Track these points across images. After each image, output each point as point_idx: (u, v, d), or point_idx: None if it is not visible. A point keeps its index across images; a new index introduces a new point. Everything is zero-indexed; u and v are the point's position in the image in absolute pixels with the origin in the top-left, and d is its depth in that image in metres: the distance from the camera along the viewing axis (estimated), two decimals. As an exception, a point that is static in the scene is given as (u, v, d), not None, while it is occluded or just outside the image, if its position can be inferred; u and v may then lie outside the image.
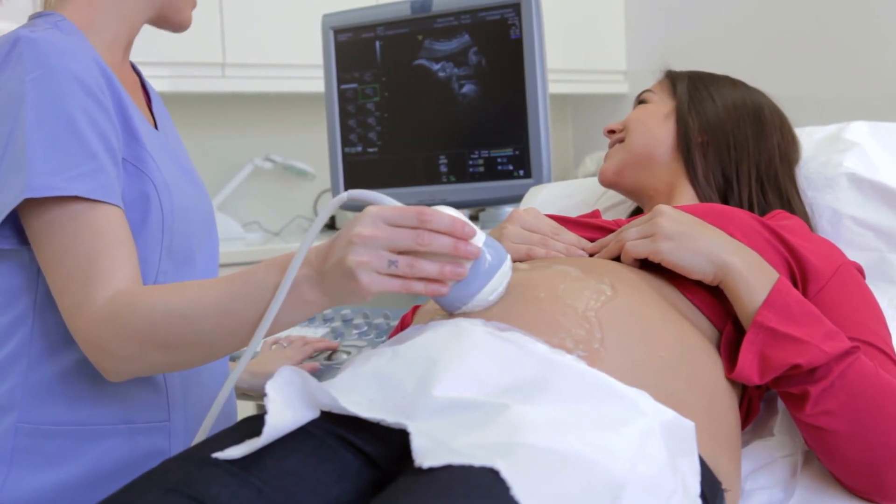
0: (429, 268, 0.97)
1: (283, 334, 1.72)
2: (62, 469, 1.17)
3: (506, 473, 0.81)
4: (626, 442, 0.88)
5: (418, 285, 0.98)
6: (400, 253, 0.97)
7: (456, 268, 0.98)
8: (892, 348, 1.18)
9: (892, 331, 1.24)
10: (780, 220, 1.34)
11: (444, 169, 2.17)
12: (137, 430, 1.22)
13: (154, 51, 2.77)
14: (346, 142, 2.28)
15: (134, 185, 1.19)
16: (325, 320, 1.84)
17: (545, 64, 2.05)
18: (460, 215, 0.99)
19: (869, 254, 1.45)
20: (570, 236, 1.28)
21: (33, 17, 1.25)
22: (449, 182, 2.16)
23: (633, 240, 1.19)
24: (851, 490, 1.12)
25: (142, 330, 1.08)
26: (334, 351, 1.66)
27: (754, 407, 1.22)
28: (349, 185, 2.28)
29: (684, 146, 1.45)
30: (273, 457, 0.95)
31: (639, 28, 3.76)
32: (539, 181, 2.05)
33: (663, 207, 1.20)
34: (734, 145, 1.44)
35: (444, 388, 0.94)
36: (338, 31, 2.27)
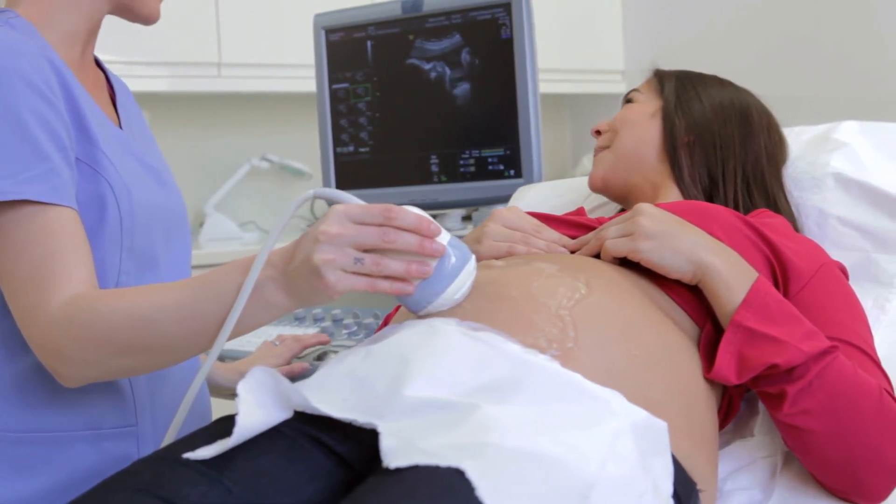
0: (394, 266, 0.97)
1: (273, 332, 1.71)
2: (29, 477, 1.15)
3: (471, 474, 0.80)
4: (596, 442, 0.87)
5: (384, 283, 0.98)
6: (366, 251, 0.96)
7: (421, 266, 0.98)
8: (872, 348, 1.17)
9: (876, 331, 1.24)
10: (764, 217, 1.33)
11: (435, 169, 2.16)
12: (104, 436, 1.20)
13: (150, 51, 2.78)
14: (337, 141, 2.28)
15: (88, 185, 1.16)
16: (316, 320, 1.83)
17: (536, 63, 2.05)
18: (425, 214, 0.99)
19: (855, 254, 1.44)
20: (552, 234, 1.28)
21: None
22: (440, 182, 2.16)
23: (613, 238, 1.18)
24: (830, 489, 1.12)
25: (100, 334, 1.06)
26: (324, 352, 1.65)
27: (735, 405, 1.21)
28: (341, 185, 2.27)
29: (670, 146, 1.44)
30: (245, 457, 0.94)
31: (636, 28, 3.75)
32: (530, 181, 2.03)
33: (644, 206, 1.19)
34: (720, 145, 1.43)
35: (416, 388, 0.93)
36: (329, 31, 2.27)
